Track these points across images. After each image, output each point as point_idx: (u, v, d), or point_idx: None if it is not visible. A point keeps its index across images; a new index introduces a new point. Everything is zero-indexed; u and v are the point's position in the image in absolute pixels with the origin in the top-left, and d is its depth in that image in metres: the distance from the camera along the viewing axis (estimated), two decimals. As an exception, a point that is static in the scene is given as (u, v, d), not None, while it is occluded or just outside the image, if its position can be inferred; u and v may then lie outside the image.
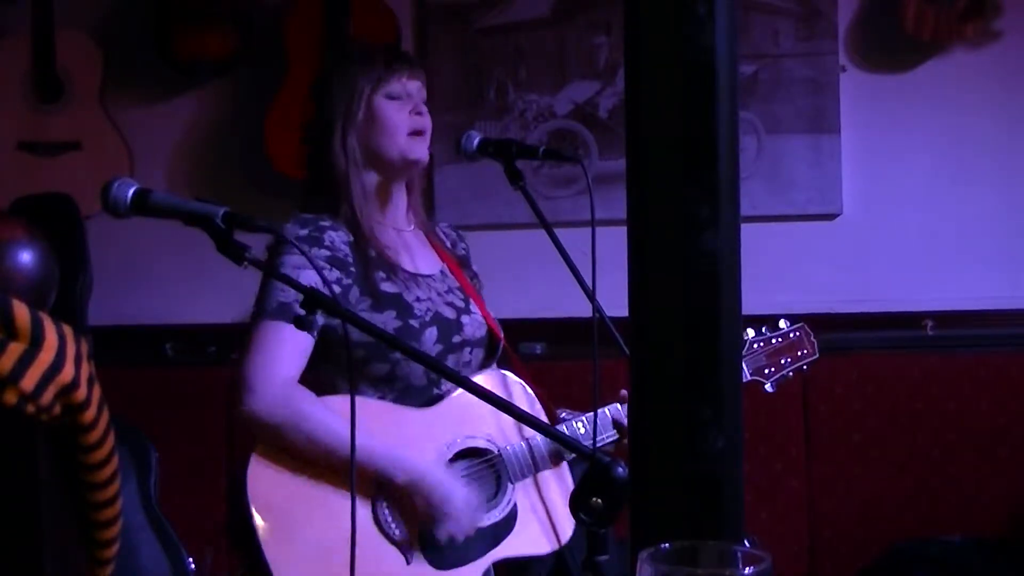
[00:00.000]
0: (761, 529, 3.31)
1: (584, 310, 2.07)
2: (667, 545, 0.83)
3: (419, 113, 2.20)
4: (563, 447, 2.07)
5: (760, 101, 3.63)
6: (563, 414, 2.24)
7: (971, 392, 3.40)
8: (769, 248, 3.58)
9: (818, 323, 2.48)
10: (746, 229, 0.95)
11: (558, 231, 2.17)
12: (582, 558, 1.53)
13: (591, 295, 2.03)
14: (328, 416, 2.00)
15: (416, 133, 2.19)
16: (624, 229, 0.96)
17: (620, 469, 1.45)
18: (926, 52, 3.60)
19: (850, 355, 3.47)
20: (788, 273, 3.59)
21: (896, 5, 3.52)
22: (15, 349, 1.30)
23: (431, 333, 2.11)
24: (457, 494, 2.04)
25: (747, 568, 0.81)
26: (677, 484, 0.92)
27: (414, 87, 2.22)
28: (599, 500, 1.46)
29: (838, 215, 3.66)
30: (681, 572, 0.80)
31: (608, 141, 3.69)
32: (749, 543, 0.87)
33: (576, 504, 1.48)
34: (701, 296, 0.92)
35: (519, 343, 3.35)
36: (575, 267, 2.14)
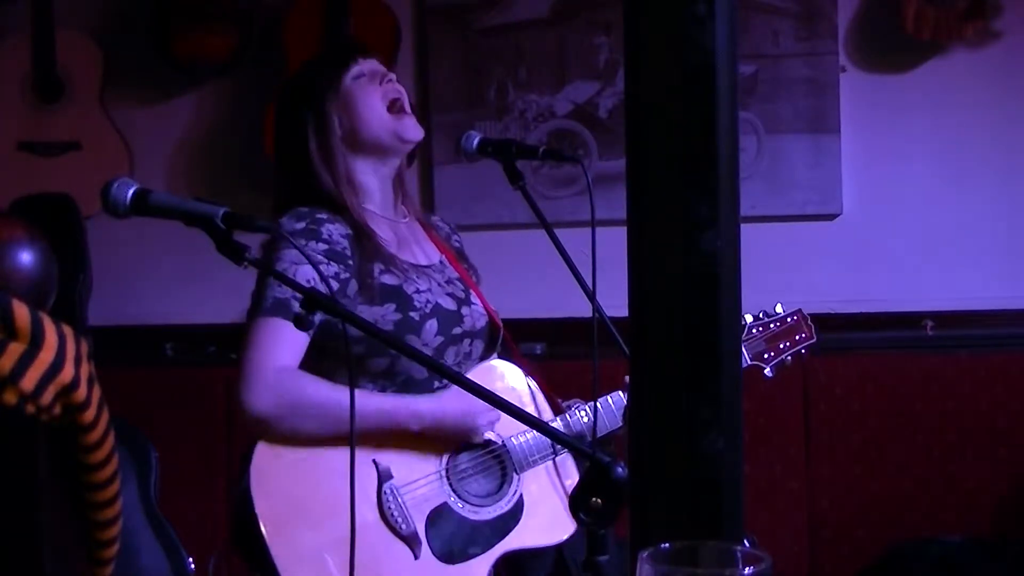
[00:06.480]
0: (761, 529, 3.31)
1: (584, 310, 2.07)
2: (667, 545, 0.83)
3: (389, 80, 2.19)
4: (563, 446, 2.07)
5: (760, 101, 3.63)
6: (571, 403, 2.23)
7: (971, 392, 3.39)
8: (769, 248, 3.58)
9: (818, 323, 2.47)
10: (746, 229, 0.95)
11: (558, 231, 2.17)
12: (582, 558, 1.53)
13: (591, 295, 2.03)
14: (331, 391, 1.98)
15: (394, 105, 2.18)
16: (624, 229, 0.96)
17: (620, 469, 1.45)
18: (926, 52, 3.60)
19: (850, 355, 3.47)
20: (788, 273, 3.59)
21: (896, 5, 3.52)
22: (15, 349, 1.31)
23: (431, 325, 2.10)
24: (470, 401, 2.05)
25: (747, 568, 0.81)
26: (677, 484, 0.92)
27: (373, 63, 2.21)
28: (599, 500, 1.46)
29: (838, 215, 3.66)
30: (681, 572, 0.80)
31: (608, 141, 3.69)
32: (749, 543, 0.87)
33: (576, 504, 1.48)
34: (701, 296, 0.92)
35: (519, 343, 3.34)
36: (575, 267, 2.13)
